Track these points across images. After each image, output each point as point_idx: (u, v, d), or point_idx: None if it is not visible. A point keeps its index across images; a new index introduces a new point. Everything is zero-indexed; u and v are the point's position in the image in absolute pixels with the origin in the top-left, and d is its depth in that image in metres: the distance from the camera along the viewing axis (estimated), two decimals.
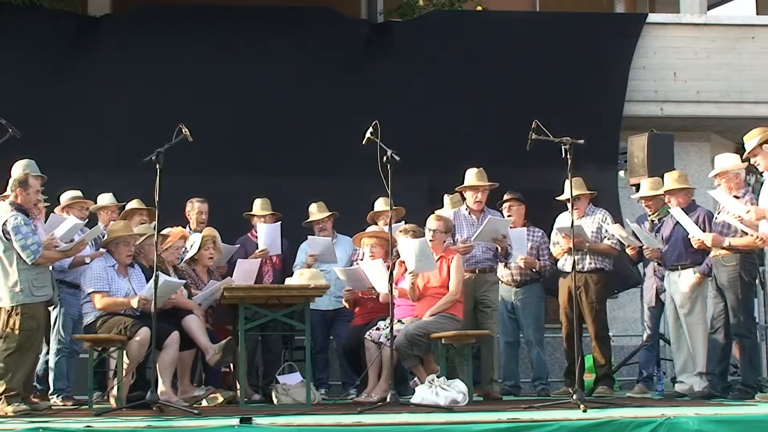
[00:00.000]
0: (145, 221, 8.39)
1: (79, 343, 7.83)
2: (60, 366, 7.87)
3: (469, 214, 8.38)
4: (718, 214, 7.73)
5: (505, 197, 8.87)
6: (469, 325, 7.97)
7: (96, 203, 8.46)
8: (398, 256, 7.65)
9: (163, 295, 7.23)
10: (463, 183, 8.52)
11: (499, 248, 8.23)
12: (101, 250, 7.60)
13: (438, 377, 7.19)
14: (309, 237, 8.90)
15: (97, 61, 10.50)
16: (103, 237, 7.70)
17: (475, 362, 8.04)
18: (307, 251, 8.81)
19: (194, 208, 8.75)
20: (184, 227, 8.43)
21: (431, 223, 7.91)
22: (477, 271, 8.25)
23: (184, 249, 8.16)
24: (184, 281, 7.78)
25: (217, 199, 9.03)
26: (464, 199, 8.57)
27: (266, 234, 8.71)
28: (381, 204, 8.74)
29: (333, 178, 10.15)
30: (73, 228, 7.34)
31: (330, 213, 9.01)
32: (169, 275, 7.64)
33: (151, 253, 7.12)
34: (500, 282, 8.66)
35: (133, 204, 8.57)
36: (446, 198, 8.96)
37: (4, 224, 6.86)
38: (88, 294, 7.37)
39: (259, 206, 9.04)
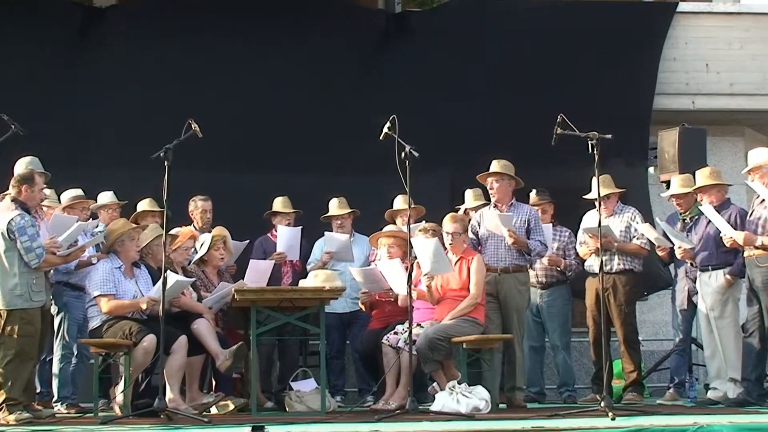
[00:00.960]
0: (157, 222, 8.19)
1: (84, 348, 7.66)
2: (65, 372, 7.71)
3: (494, 207, 8.10)
4: (753, 210, 7.56)
5: (534, 198, 8.73)
6: (496, 329, 7.80)
7: (96, 202, 8.33)
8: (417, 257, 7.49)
9: (172, 294, 7.10)
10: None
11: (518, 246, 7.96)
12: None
13: (459, 383, 7.07)
14: (326, 233, 8.78)
15: (101, 53, 10.40)
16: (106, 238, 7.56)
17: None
18: (323, 248, 8.68)
19: (197, 207, 8.58)
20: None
21: (447, 225, 7.72)
22: (499, 271, 7.95)
23: (193, 249, 8.04)
24: (192, 279, 7.65)
25: (226, 198, 8.95)
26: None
27: (286, 238, 8.60)
28: (399, 202, 8.63)
29: (349, 174, 10.03)
30: (76, 229, 7.20)
31: (351, 210, 8.88)
32: None
33: (159, 253, 7.05)
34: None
35: (145, 205, 8.44)
36: (468, 192, 8.80)
37: (9, 223, 6.72)
38: (94, 297, 7.23)
39: (280, 204, 8.91)
